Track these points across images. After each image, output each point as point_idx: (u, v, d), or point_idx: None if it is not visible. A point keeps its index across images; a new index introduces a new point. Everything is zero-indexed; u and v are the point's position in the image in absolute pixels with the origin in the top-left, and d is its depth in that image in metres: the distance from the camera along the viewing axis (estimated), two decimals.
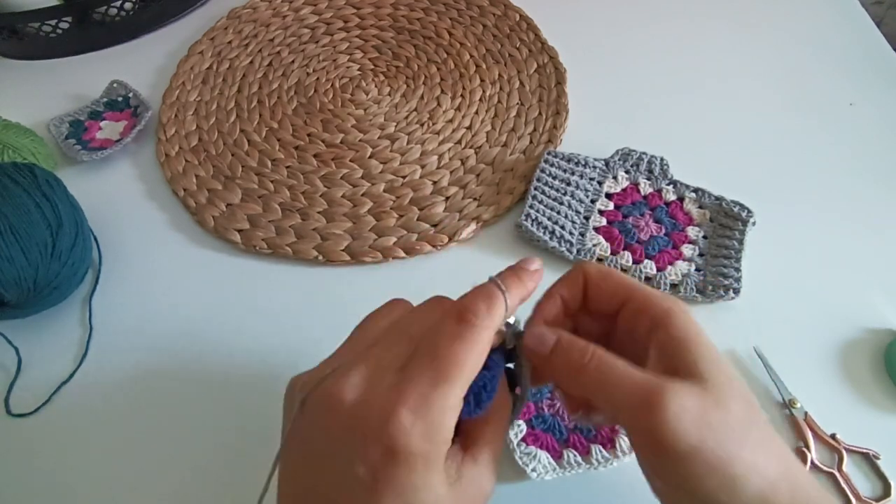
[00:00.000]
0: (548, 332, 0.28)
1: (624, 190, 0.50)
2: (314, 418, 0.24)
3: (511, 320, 0.29)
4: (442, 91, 0.58)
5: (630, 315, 0.28)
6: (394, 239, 0.49)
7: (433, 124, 0.56)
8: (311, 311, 0.47)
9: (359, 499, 0.23)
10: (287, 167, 0.54)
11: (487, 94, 0.58)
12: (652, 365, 0.27)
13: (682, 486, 0.25)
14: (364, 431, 0.23)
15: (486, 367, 0.27)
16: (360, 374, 0.24)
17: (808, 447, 0.38)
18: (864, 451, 0.38)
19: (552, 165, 0.51)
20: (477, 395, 0.26)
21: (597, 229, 0.48)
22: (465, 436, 0.27)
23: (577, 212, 0.49)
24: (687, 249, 0.47)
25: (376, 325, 0.27)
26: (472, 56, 0.61)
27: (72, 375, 0.44)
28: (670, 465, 0.24)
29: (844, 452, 0.38)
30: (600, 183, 0.51)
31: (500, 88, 0.58)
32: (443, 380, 0.23)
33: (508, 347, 0.29)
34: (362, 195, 0.52)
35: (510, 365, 0.30)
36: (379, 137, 0.55)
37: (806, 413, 0.40)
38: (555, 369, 0.28)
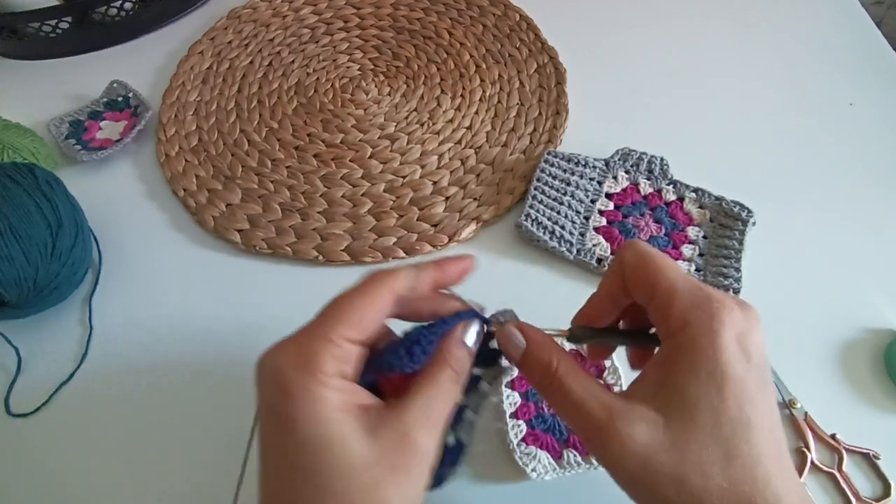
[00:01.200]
0: (517, 333, 0.28)
1: (624, 190, 0.50)
2: None
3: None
4: (442, 91, 0.58)
5: (655, 313, 0.27)
6: (394, 239, 0.49)
7: (433, 124, 0.56)
8: (311, 311, 0.46)
9: (272, 438, 0.24)
10: (287, 167, 0.54)
11: (487, 94, 0.58)
12: (651, 363, 0.27)
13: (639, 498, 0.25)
14: (259, 376, 0.25)
15: (427, 326, 0.27)
16: (285, 340, 0.25)
17: (808, 447, 0.38)
18: (864, 451, 0.38)
19: (552, 165, 0.51)
20: (408, 349, 0.26)
21: (597, 229, 0.48)
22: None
23: (577, 212, 0.49)
24: (687, 249, 0.47)
25: None
26: (472, 56, 0.61)
27: (72, 375, 0.44)
28: (624, 482, 0.25)
29: (844, 452, 0.38)
30: (600, 183, 0.51)
31: (500, 88, 0.58)
32: (323, 318, 0.25)
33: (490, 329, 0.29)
34: (362, 195, 0.52)
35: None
36: (379, 137, 0.55)
37: (806, 413, 0.40)
38: (525, 371, 0.28)
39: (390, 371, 0.27)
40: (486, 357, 0.31)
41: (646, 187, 0.50)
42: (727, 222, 0.47)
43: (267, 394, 0.24)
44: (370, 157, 0.54)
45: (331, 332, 0.24)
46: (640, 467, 0.24)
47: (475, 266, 0.29)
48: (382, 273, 0.26)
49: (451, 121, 0.56)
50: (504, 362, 0.31)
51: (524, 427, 0.39)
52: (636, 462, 0.24)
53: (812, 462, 0.38)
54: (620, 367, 0.41)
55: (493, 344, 0.30)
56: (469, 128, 0.56)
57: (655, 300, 0.26)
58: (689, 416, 0.24)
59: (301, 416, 0.23)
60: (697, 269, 0.46)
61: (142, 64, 0.64)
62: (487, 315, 0.30)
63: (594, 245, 0.47)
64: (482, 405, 0.31)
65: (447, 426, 0.26)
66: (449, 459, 0.30)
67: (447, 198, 0.51)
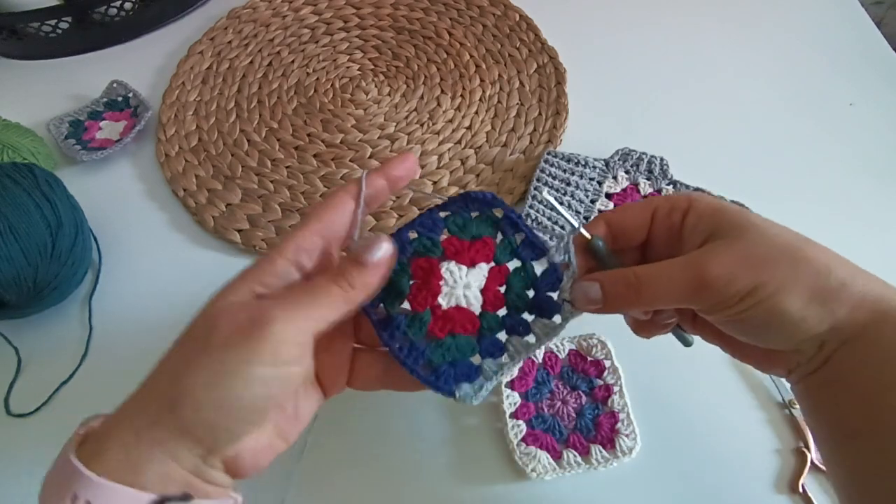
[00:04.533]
0: (587, 284, 0.29)
1: (624, 190, 0.50)
2: None
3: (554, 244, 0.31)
4: (442, 91, 0.58)
5: (662, 219, 0.30)
6: None
7: (433, 124, 0.56)
8: None
9: None
10: (287, 167, 0.54)
11: (487, 94, 0.58)
12: (687, 244, 0.29)
13: (771, 328, 0.26)
14: None
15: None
16: None
17: (807, 447, 0.38)
18: None
19: (552, 165, 0.51)
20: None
21: None
22: None
23: (577, 212, 0.49)
24: None
25: None
26: (472, 56, 0.61)
27: (72, 375, 0.44)
28: (750, 316, 0.26)
29: None
30: (600, 183, 0.51)
31: (500, 88, 0.58)
32: (303, 219, 0.29)
33: (558, 260, 0.31)
34: None
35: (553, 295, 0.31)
36: (379, 137, 0.55)
37: None
38: (613, 307, 0.29)
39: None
40: (543, 306, 0.30)
41: (646, 187, 0.50)
42: None
43: None
44: (370, 157, 0.54)
45: (302, 226, 0.28)
46: (742, 272, 0.26)
47: (417, 165, 0.31)
48: (344, 186, 0.30)
49: (451, 121, 0.56)
50: (558, 320, 0.30)
51: (524, 427, 0.39)
52: (737, 274, 0.26)
53: (812, 462, 0.38)
54: (620, 366, 0.41)
55: (554, 295, 0.30)
56: (469, 128, 0.56)
57: (658, 210, 0.30)
58: (745, 227, 0.27)
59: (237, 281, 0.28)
60: None
61: (142, 64, 0.64)
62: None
63: None
64: (523, 356, 0.30)
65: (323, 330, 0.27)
66: (457, 371, 0.29)
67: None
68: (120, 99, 0.59)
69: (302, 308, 0.26)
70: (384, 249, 0.28)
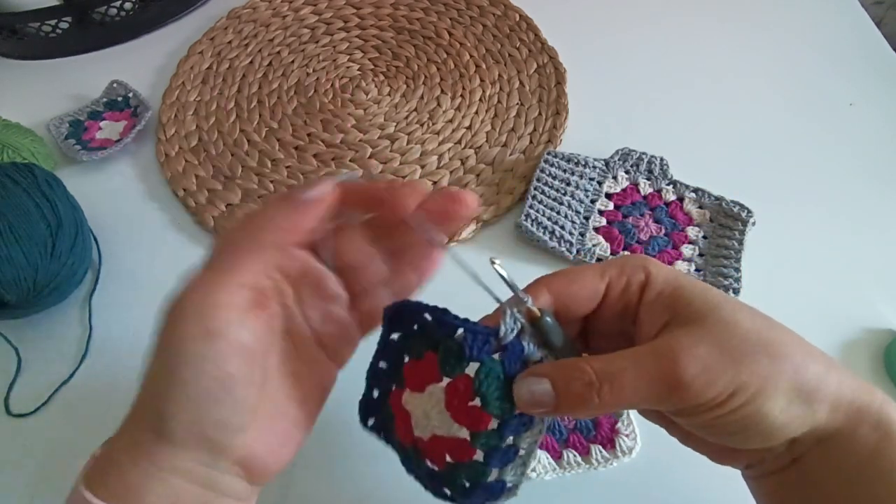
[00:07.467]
0: (534, 380, 0.24)
1: (624, 190, 0.50)
2: None
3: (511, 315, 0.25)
4: (442, 91, 0.58)
5: (617, 294, 0.26)
6: None
7: (433, 124, 0.56)
8: None
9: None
10: (287, 167, 0.54)
11: (487, 94, 0.58)
12: (645, 324, 0.26)
13: (749, 431, 0.23)
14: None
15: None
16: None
17: None
18: None
19: (552, 165, 0.51)
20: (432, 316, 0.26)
21: (597, 229, 0.48)
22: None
23: (577, 212, 0.49)
24: (687, 249, 0.47)
25: None
26: (472, 56, 0.61)
27: (72, 375, 0.44)
28: (728, 421, 0.23)
29: None
30: (600, 183, 0.51)
31: (500, 88, 0.58)
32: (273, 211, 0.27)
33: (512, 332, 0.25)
34: None
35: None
36: (379, 137, 0.55)
37: None
38: (568, 409, 0.24)
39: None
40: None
41: (646, 187, 0.50)
42: (727, 222, 0.47)
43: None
44: (370, 157, 0.54)
45: (245, 233, 0.27)
46: (717, 374, 0.22)
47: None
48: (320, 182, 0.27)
49: (451, 121, 0.56)
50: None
51: None
52: (712, 375, 0.22)
53: None
54: None
55: None
56: (469, 128, 0.56)
57: (611, 289, 0.27)
58: (712, 312, 0.24)
59: (203, 288, 0.26)
60: (697, 269, 0.46)
61: (142, 64, 0.64)
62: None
63: (594, 245, 0.47)
64: (538, 441, 0.26)
65: None
66: (482, 494, 0.25)
67: None
68: (120, 99, 0.59)
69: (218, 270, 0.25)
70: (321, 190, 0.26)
